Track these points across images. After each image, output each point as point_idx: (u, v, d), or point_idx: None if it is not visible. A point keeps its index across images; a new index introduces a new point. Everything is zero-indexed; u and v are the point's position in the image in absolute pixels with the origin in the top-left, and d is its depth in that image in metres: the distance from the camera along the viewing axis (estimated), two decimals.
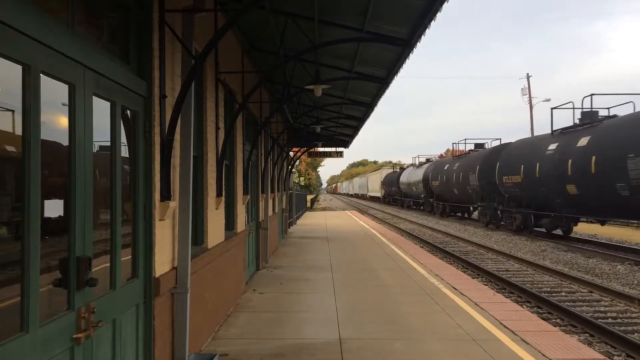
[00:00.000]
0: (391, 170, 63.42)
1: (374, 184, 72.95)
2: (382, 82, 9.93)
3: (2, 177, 2.55)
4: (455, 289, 9.02)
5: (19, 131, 2.48)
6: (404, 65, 8.57)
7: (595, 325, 7.84)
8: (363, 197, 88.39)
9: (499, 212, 24.91)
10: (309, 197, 50.62)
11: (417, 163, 47.64)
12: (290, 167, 21.24)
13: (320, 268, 11.46)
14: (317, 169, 64.59)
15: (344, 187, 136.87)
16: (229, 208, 8.18)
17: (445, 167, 34.14)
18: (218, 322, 6.76)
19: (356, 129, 18.27)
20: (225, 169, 7.37)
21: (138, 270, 4.01)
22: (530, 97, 42.16)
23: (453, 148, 37.55)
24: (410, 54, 7.78)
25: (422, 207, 43.67)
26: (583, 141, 17.59)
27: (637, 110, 17.06)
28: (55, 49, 2.75)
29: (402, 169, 55.69)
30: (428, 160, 46.24)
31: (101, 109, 3.36)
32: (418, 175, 42.53)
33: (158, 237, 4.33)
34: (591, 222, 20.71)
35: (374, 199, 74.91)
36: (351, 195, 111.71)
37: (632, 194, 15.08)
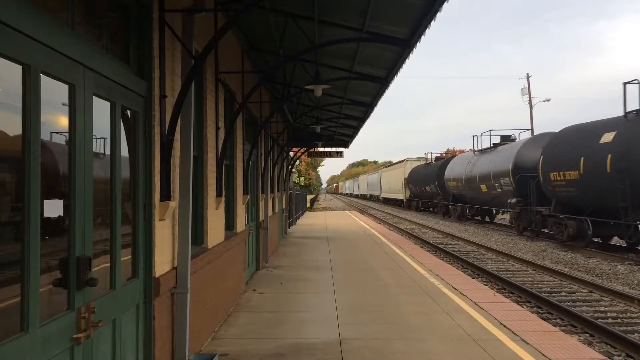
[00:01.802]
0: (421, 163, 44.39)
1: (392, 183, 54.44)
2: (382, 82, 9.94)
3: (2, 177, 2.55)
4: (456, 289, 9.02)
5: (18, 131, 2.47)
6: (404, 66, 8.59)
7: (595, 325, 7.84)
8: (373, 198, 72.38)
9: None
10: (309, 197, 50.49)
11: (459, 150, 33.30)
12: (290, 167, 21.24)
13: (320, 268, 11.46)
14: (317, 169, 64.55)
15: (347, 186, 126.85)
16: (229, 208, 8.18)
17: (610, 139, 14.99)
18: (218, 322, 6.76)
19: (356, 129, 18.27)
20: (225, 169, 7.37)
21: (138, 270, 4.01)
22: (530, 97, 42.15)
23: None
24: (410, 54, 7.78)
25: (493, 219, 28.79)
26: None
27: None
28: (55, 49, 2.75)
29: (442, 159, 39.11)
30: (507, 138, 26.56)
31: (101, 109, 3.36)
32: (495, 163, 24.18)
33: (158, 237, 4.33)
34: None
35: (390, 202, 57.30)
36: (356, 196, 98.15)
37: None
